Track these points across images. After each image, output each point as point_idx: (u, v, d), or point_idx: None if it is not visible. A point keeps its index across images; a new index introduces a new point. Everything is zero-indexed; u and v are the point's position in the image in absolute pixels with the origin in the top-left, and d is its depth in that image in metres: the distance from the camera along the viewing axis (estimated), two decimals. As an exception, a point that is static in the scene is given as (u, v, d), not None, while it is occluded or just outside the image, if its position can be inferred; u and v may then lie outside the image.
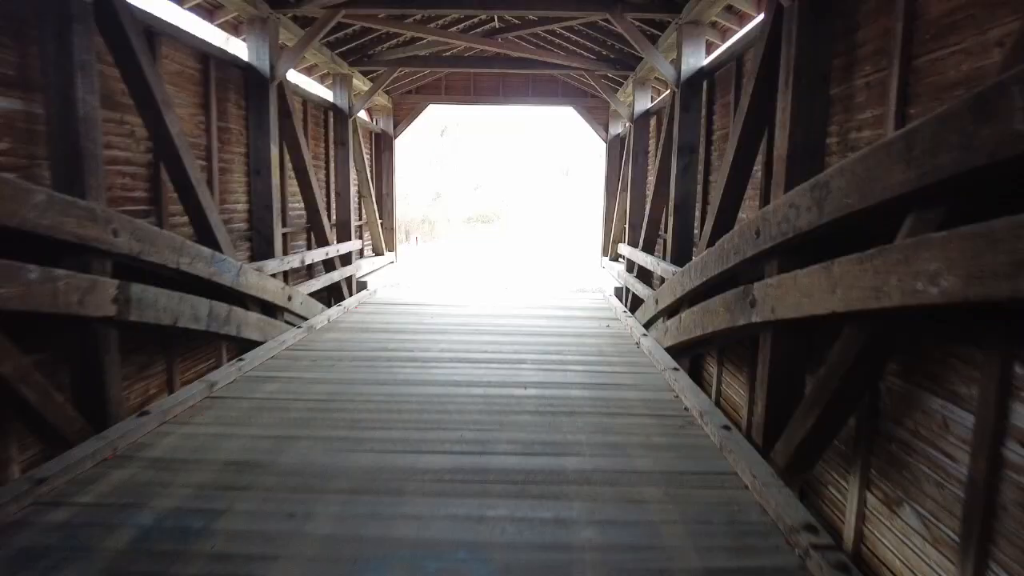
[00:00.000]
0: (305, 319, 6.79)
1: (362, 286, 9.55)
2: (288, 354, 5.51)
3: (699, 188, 6.27)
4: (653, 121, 8.99)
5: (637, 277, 8.02)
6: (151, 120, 4.36)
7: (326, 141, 8.99)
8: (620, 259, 10.44)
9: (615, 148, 11.69)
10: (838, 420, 2.89)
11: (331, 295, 8.69)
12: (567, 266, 15.86)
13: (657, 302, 6.07)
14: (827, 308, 2.56)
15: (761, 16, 4.57)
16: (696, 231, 6.33)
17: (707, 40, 6.29)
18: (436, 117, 31.41)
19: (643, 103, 8.96)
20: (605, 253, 11.57)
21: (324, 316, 7.11)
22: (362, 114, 11.93)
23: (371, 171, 11.68)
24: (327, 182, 9.09)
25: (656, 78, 9.19)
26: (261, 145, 6.17)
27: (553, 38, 9.35)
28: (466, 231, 26.24)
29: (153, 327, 4.01)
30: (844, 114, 3.41)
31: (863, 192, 2.36)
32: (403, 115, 11.89)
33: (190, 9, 5.67)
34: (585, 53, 9.38)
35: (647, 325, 6.65)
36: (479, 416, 3.82)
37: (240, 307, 5.28)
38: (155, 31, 4.61)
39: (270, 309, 6.00)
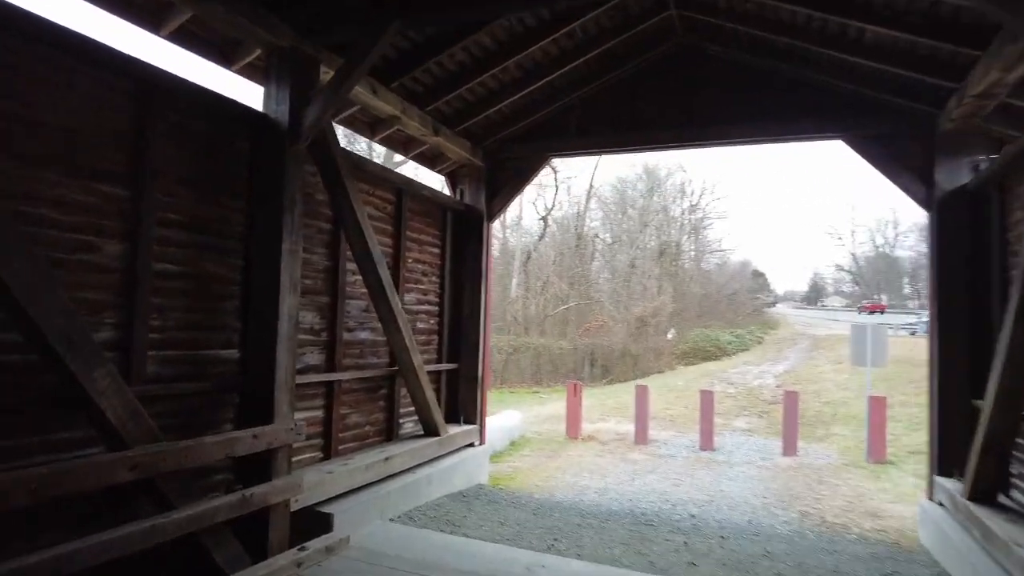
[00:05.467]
0: None
1: (321, 522, 4.11)
2: None
3: None
4: None
5: None
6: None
7: (246, 195, 4.12)
8: (1002, 505, 3.50)
9: (953, 217, 4.97)
10: None
11: None
12: (843, 481, 8.38)
13: None
14: None
15: None
16: None
17: None
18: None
19: None
20: (942, 471, 4.53)
21: None
22: (429, 176, 7.20)
23: (440, 272, 6.56)
24: (244, 285, 4.11)
25: None
26: None
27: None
28: (680, 370, 19.51)
29: None
30: None
31: None
32: (505, 178, 6.75)
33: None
34: None
35: None
36: None
37: None
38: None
39: None
